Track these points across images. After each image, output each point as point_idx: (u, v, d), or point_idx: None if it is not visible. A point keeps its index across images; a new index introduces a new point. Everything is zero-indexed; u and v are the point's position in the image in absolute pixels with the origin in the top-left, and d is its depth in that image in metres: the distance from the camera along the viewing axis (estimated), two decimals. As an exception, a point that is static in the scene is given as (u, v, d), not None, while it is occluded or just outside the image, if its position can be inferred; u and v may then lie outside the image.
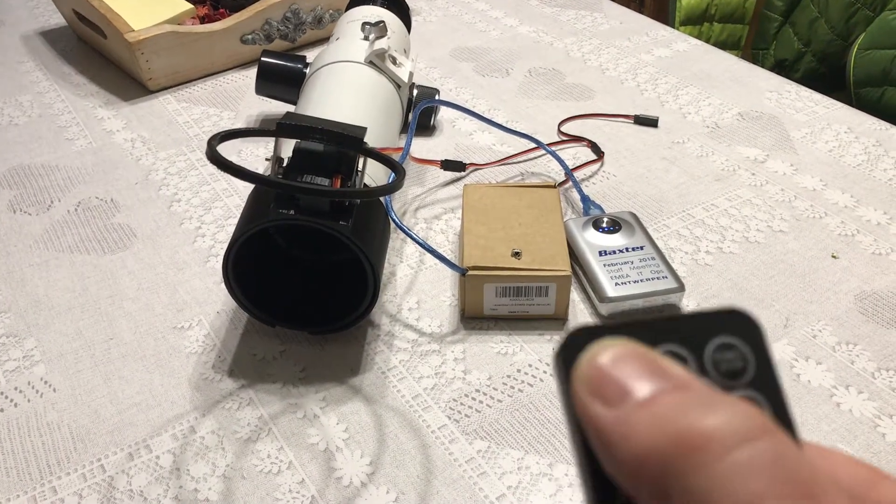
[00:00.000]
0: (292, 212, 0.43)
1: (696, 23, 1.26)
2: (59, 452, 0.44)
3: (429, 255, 0.57)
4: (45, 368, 0.49)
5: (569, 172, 0.62)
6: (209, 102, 0.77)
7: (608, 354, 0.17)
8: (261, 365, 0.49)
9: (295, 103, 0.69)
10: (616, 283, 0.51)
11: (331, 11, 0.85)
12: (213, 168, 0.67)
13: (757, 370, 0.18)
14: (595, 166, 0.67)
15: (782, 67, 1.23)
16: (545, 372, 0.48)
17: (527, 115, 0.74)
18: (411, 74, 0.63)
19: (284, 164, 0.45)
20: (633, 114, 0.73)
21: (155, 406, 0.46)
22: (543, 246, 0.51)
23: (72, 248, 0.59)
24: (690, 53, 0.85)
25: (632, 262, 0.52)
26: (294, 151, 0.45)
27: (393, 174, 0.53)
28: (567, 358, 0.17)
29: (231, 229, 0.60)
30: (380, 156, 0.43)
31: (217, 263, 0.57)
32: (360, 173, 0.45)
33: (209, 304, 0.53)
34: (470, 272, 0.50)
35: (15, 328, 0.52)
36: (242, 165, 0.42)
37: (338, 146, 0.43)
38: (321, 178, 0.43)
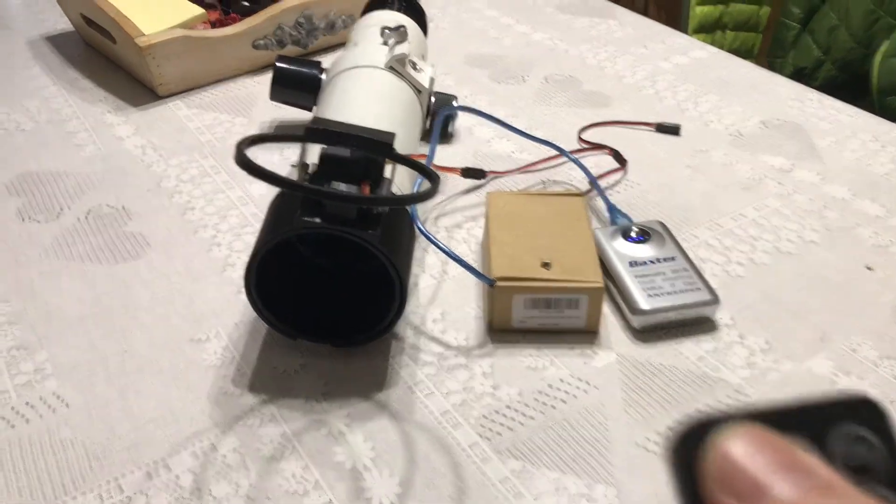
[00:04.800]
0: (319, 220, 0.42)
1: (709, 31, 1.25)
2: (74, 471, 0.42)
3: (452, 265, 0.55)
4: (57, 382, 0.47)
5: (593, 180, 0.60)
6: (221, 108, 0.75)
7: (740, 444, 0.15)
8: (282, 379, 0.47)
9: (310, 109, 0.67)
10: (649, 295, 0.49)
11: (343, 17, 0.84)
12: (227, 176, 0.65)
13: (887, 465, 0.16)
14: (618, 175, 0.65)
15: (801, 75, 1.21)
16: (578, 388, 0.46)
17: (545, 122, 0.73)
18: (432, 80, 0.61)
19: (310, 171, 0.43)
20: (654, 121, 0.72)
21: (173, 422, 0.45)
22: (573, 256, 0.50)
23: (83, 256, 0.57)
24: (708, 61, 0.84)
25: (664, 273, 0.51)
26: (321, 157, 0.43)
27: (420, 181, 0.51)
28: (684, 454, 0.16)
29: (248, 238, 0.58)
30: (413, 162, 0.42)
31: (234, 273, 0.55)
32: (388, 180, 0.44)
33: (227, 315, 0.52)
34: (498, 283, 0.48)
35: (26, 340, 0.50)
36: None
37: (368, 152, 0.41)
38: (349, 185, 0.42)
